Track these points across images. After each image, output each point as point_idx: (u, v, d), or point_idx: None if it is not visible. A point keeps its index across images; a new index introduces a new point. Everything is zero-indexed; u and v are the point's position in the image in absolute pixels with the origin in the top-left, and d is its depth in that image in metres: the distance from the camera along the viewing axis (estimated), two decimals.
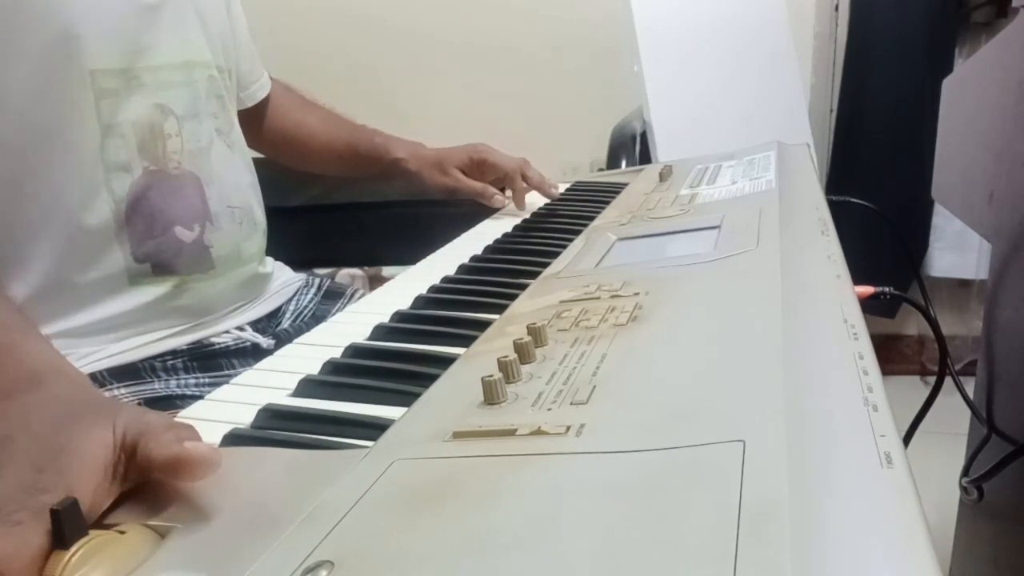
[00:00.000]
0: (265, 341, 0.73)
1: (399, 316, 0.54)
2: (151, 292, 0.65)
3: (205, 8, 0.71)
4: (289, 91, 0.99)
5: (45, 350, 0.43)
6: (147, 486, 0.32)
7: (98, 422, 0.33)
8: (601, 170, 1.29)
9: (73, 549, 0.27)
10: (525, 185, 0.93)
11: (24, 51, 0.58)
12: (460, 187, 0.93)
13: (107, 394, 0.60)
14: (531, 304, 0.50)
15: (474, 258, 0.69)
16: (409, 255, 0.74)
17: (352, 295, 0.88)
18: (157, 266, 0.65)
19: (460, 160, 0.95)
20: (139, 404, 0.58)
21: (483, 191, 0.92)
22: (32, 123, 0.59)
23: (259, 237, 0.77)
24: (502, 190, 0.94)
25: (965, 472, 0.88)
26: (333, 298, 0.86)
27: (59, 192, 0.61)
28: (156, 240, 0.65)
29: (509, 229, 0.82)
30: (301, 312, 0.82)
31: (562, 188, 0.98)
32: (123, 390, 0.62)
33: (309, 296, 0.85)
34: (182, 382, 0.66)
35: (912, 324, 2.00)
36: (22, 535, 0.27)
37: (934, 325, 0.74)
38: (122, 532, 0.29)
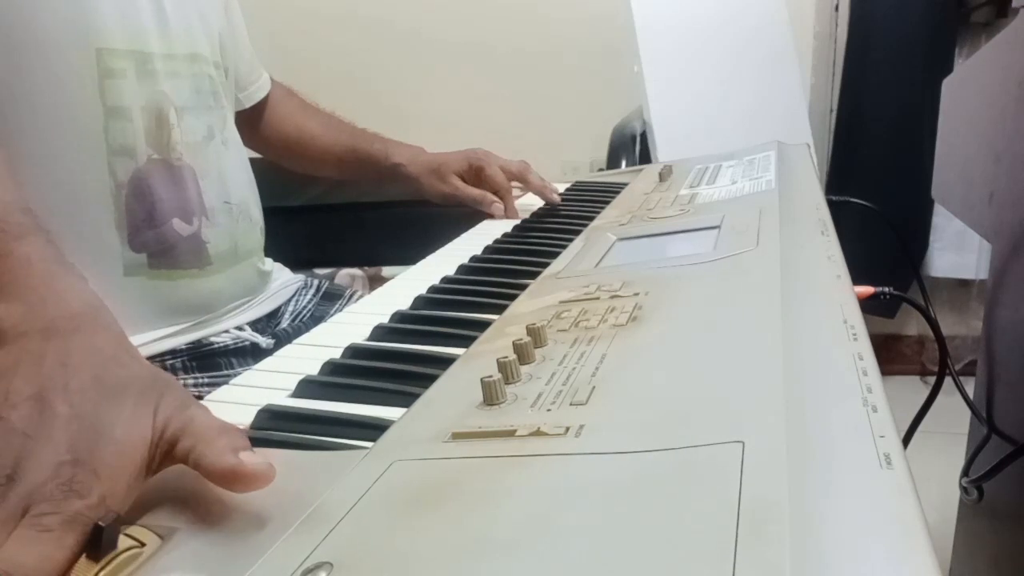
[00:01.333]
0: (264, 341, 0.73)
1: (399, 316, 0.54)
2: (147, 286, 0.65)
3: (204, 5, 0.72)
4: (290, 95, 0.99)
5: (83, 288, 0.38)
6: (146, 487, 0.32)
7: (140, 406, 0.31)
8: (601, 170, 1.29)
9: (103, 563, 0.26)
10: (521, 193, 0.93)
11: (33, 19, 0.57)
12: (458, 195, 0.93)
13: None
14: (531, 304, 0.50)
15: (474, 258, 0.69)
16: (409, 255, 0.73)
17: (351, 297, 0.88)
18: (153, 257, 0.65)
19: (459, 166, 0.94)
20: None
21: (482, 199, 0.92)
22: (32, 92, 0.58)
23: (257, 234, 0.77)
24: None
25: (965, 472, 0.88)
26: (332, 299, 0.86)
27: (57, 169, 0.60)
28: (155, 231, 0.64)
29: (509, 229, 0.82)
30: (300, 313, 0.82)
31: (562, 188, 0.98)
32: None
33: (308, 297, 0.85)
34: (181, 382, 0.66)
35: (912, 324, 2.00)
36: (47, 549, 0.26)
37: (934, 325, 0.74)
38: (133, 538, 0.29)
